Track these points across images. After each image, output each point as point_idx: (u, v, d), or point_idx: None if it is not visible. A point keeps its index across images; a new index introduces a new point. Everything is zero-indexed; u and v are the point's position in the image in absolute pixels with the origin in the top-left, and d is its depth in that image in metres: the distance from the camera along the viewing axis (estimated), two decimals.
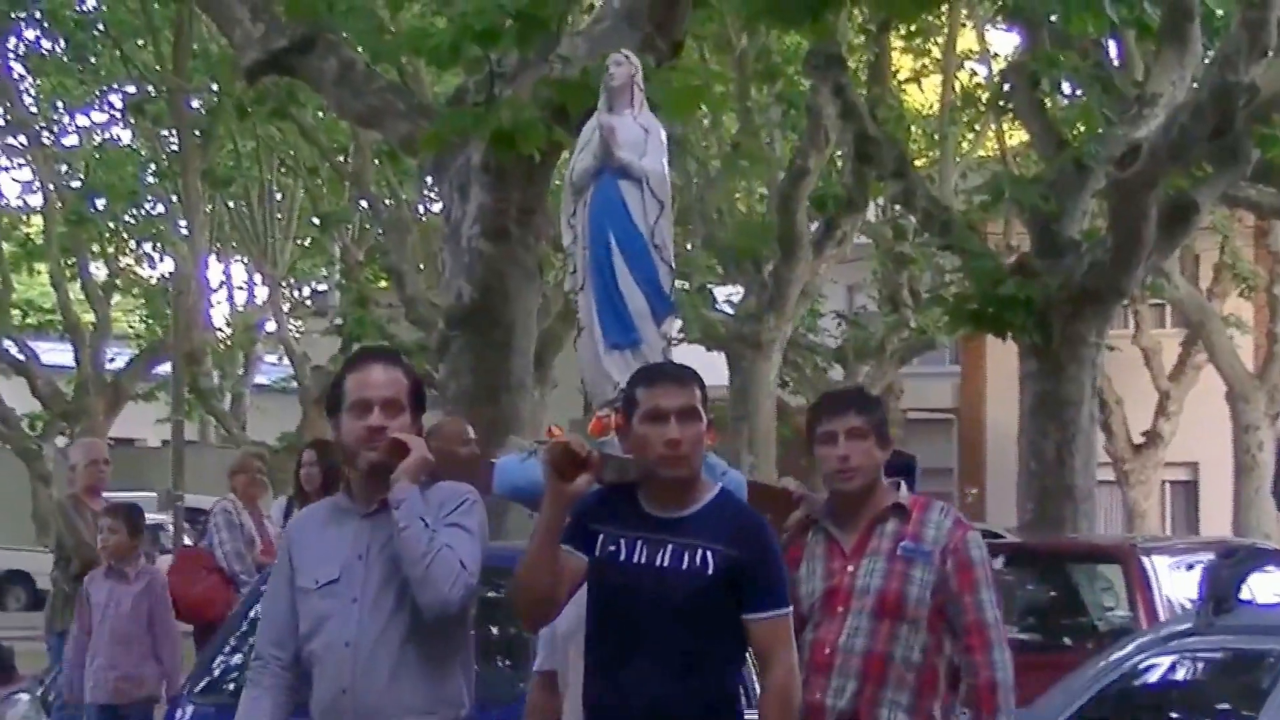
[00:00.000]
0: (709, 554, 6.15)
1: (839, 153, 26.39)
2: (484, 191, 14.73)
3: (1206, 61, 19.73)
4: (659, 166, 8.29)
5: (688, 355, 35.65)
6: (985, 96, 32.14)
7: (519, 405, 15.10)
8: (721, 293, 33.18)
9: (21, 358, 40.28)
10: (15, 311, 42.38)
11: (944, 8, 26.04)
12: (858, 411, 6.96)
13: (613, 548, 6.25)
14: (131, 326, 46.33)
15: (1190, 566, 14.02)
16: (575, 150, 8.44)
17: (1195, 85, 19.36)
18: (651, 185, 8.20)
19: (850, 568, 6.59)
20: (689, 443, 6.22)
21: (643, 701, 6.11)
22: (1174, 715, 5.88)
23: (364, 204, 34.17)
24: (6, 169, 41.57)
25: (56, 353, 41.97)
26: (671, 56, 14.81)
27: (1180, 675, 5.78)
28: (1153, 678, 5.81)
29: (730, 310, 31.10)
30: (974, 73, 33.97)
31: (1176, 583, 13.79)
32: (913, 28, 29.43)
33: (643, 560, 6.21)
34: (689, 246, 34.71)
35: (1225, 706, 5.50)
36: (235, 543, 13.35)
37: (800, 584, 6.60)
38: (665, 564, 6.18)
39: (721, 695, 6.23)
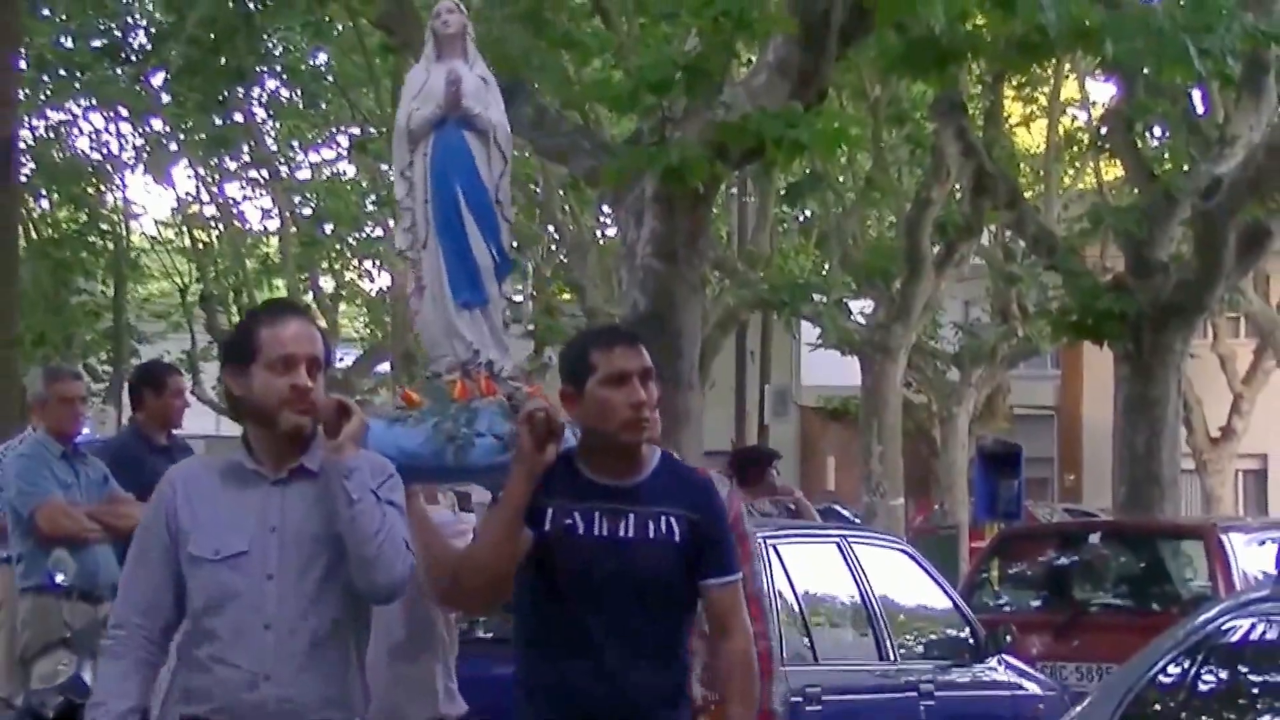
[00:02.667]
0: (673, 520, 5.21)
1: (958, 186, 26.24)
2: (656, 219, 14.76)
3: None
4: (503, 120, 7.08)
5: (825, 359, 35.76)
6: (1085, 138, 32.01)
7: (687, 402, 15.07)
8: (855, 305, 33.02)
9: None
10: None
11: (1050, 61, 25.89)
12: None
13: (568, 521, 5.19)
14: (356, 331, 46.69)
15: (1261, 543, 13.99)
16: (404, 99, 7.13)
17: (1270, 128, 19.19)
18: (498, 138, 6.98)
19: None
20: (652, 405, 5.27)
21: (617, 689, 5.14)
22: (1250, 670, 5.84)
23: (551, 228, 34.35)
24: (249, 198, 41.92)
25: None
26: (817, 103, 14.80)
27: (1257, 635, 5.74)
28: (1233, 638, 5.78)
29: (863, 320, 31.02)
30: (1075, 117, 33.74)
31: (1250, 557, 13.72)
32: (1023, 79, 29.30)
33: (604, 532, 5.18)
34: (826, 266, 34.67)
35: None
36: None
37: None
38: (630, 535, 5.19)
39: (683, 675, 5.33)
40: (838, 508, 31.13)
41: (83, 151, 39.50)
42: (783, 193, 28.97)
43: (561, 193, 30.90)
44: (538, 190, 32.76)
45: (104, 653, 5.07)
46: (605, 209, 28.22)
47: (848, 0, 13.94)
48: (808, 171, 25.39)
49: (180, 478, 5.12)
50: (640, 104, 15.02)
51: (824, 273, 34.47)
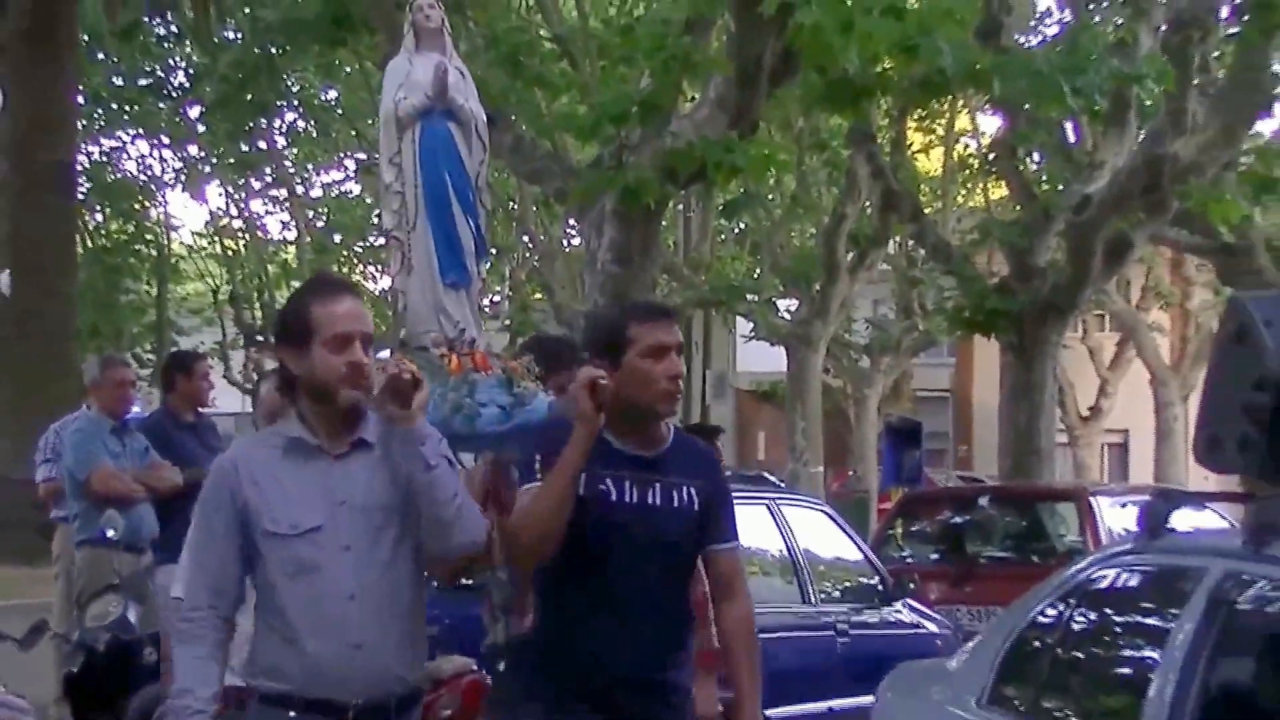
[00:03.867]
0: (692, 491, 4.77)
1: (869, 203, 26.27)
2: (614, 230, 14.72)
3: (1140, 138, 19.61)
4: (481, 111, 6.48)
5: (757, 349, 35.72)
6: (976, 163, 32.09)
7: None
8: (783, 304, 33.07)
9: None
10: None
11: (947, 98, 25.91)
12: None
13: (602, 487, 4.67)
14: None
15: (1124, 505, 13.93)
16: (388, 88, 6.38)
17: (1131, 154, 19.23)
18: (478, 129, 6.37)
19: None
20: (681, 378, 4.77)
21: (641, 648, 4.68)
22: (1114, 612, 5.83)
23: (525, 238, 34.27)
24: (271, 213, 41.91)
25: None
26: (750, 133, 14.76)
27: (1120, 583, 5.73)
28: (1101, 585, 5.77)
29: (789, 317, 31.03)
30: (967, 145, 33.79)
31: (1115, 517, 13.69)
32: (924, 112, 29.33)
33: (634, 499, 4.70)
34: (758, 271, 34.68)
35: (1155, 606, 5.46)
36: None
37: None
38: (657, 503, 4.72)
39: (690, 634, 4.89)
40: (767, 474, 31.23)
41: (130, 173, 39.45)
42: (721, 208, 28.98)
43: (535, 208, 30.87)
44: (515, 206, 32.72)
45: (182, 637, 4.35)
46: (572, 222, 28.19)
47: (776, 47, 13.90)
48: (742, 190, 25.38)
49: (240, 457, 4.47)
50: (601, 133, 14.97)
51: (756, 276, 34.48)
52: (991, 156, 26.00)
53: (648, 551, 4.67)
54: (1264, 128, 23.07)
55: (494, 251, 39.16)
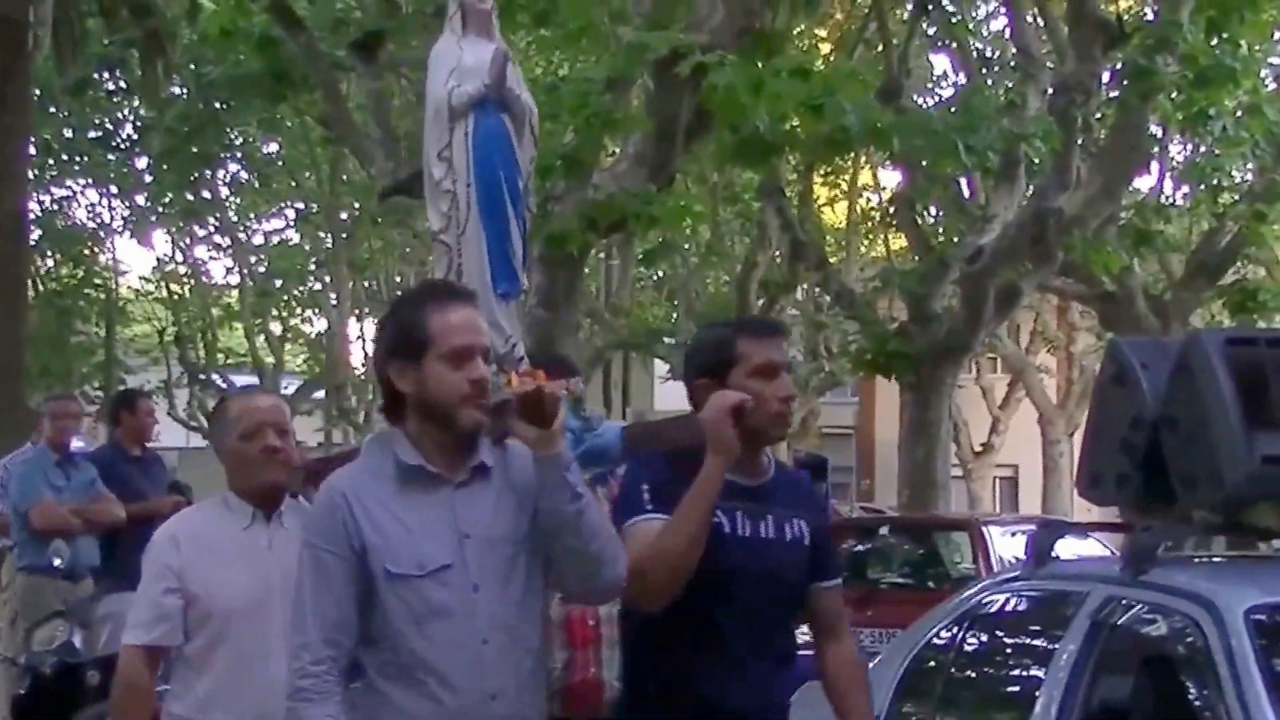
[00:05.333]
0: (802, 524, 4.16)
1: (778, 252, 26.40)
2: (540, 276, 14.70)
3: (1029, 193, 19.81)
4: (533, 103, 5.61)
5: (675, 389, 35.68)
6: (877, 215, 32.30)
7: None
8: None
9: (224, 386, 40.27)
10: (220, 354, 42.43)
11: (850, 154, 26.10)
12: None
13: (714, 519, 3.96)
14: (298, 366, 46.30)
15: (1014, 534, 14.03)
16: (437, 73, 5.37)
17: (1020, 208, 19.43)
18: (531, 122, 5.53)
19: None
20: (794, 400, 4.18)
21: (745, 684, 4.05)
22: (1004, 634, 5.86)
23: None
24: (214, 258, 41.62)
25: (248, 383, 41.96)
26: (667, 186, 14.80)
27: (1010, 607, 5.76)
28: (992, 609, 5.80)
29: None
30: (870, 199, 34.02)
31: (1004, 545, 13.78)
32: (829, 168, 29.53)
33: (747, 533, 4.05)
34: (675, 316, 34.74)
35: (1041, 629, 5.50)
36: None
37: None
38: (770, 536, 4.08)
39: (794, 670, 4.26)
40: None
41: (80, 220, 39.07)
42: (641, 256, 29.05)
43: None
44: None
45: (305, 695, 3.51)
46: None
47: (692, 106, 13.95)
48: (660, 240, 25.46)
49: (349, 489, 3.62)
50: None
51: (673, 320, 34.54)
52: (892, 210, 26.23)
53: (760, 587, 4.06)
54: (1142, 184, 23.42)
55: None
